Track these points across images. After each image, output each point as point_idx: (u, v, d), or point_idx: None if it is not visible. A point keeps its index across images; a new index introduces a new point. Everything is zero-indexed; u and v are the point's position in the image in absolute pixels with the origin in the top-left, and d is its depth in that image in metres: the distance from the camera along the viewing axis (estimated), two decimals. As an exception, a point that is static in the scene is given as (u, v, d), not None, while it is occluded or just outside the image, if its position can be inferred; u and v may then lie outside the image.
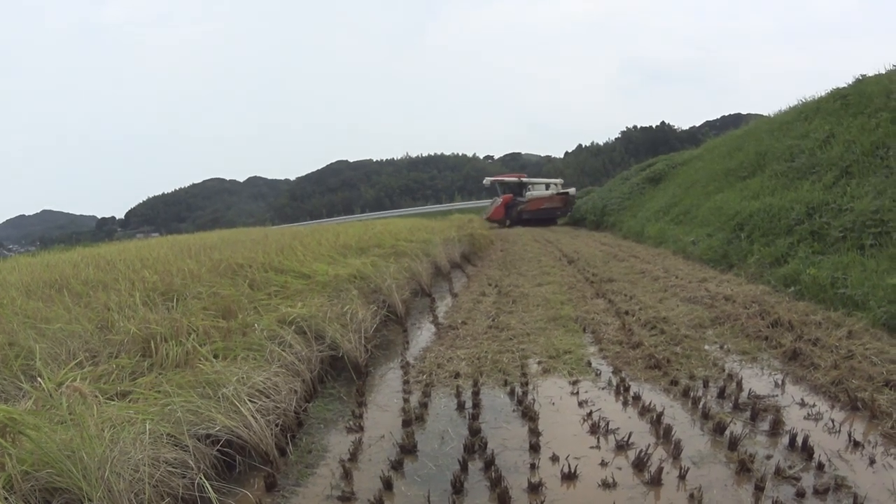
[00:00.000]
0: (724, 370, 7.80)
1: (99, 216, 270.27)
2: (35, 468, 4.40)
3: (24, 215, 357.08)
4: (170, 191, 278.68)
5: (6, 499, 4.08)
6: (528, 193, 57.19)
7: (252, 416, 5.87)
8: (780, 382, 7.29)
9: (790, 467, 5.18)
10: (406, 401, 7.68)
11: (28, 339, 7.81)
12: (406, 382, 8.45)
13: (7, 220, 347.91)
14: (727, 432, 5.86)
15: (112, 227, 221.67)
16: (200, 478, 4.95)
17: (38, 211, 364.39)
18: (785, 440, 5.70)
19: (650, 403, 6.80)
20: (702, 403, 6.65)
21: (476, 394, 7.65)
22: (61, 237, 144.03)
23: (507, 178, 63.96)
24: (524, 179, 62.08)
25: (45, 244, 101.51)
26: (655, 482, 5.11)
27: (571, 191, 58.45)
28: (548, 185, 60.44)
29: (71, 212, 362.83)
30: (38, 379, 5.75)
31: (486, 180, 65.25)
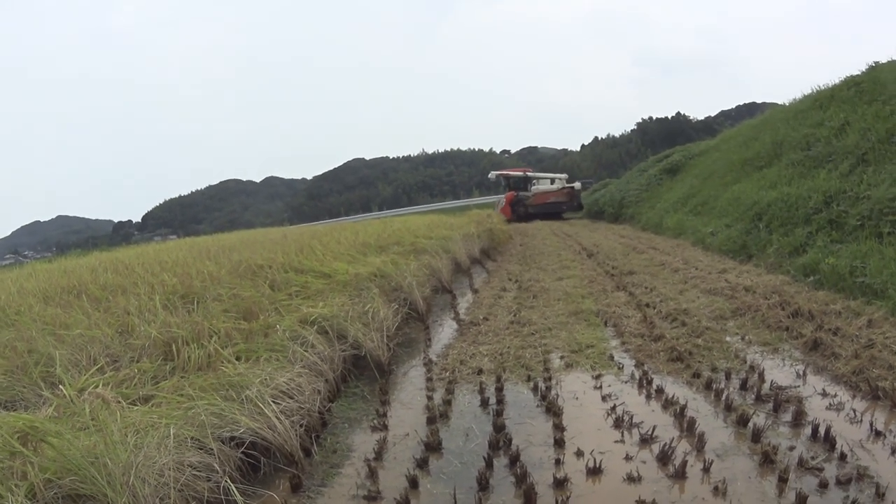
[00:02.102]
0: (745, 361, 7.77)
1: (115, 220, 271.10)
2: (58, 476, 4.40)
3: (39, 221, 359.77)
4: (186, 193, 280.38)
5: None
6: (533, 188, 56.92)
7: (276, 417, 5.88)
8: (801, 373, 7.26)
9: (813, 458, 5.16)
10: (430, 398, 7.68)
11: (47, 345, 7.83)
12: (429, 380, 8.45)
13: (22, 227, 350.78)
14: (750, 424, 5.84)
15: (129, 231, 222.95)
16: (226, 481, 4.96)
17: (54, 216, 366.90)
18: (807, 431, 5.68)
19: (673, 396, 6.79)
20: (724, 395, 6.61)
21: (499, 390, 7.62)
22: (77, 242, 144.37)
23: (512, 173, 63.30)
24: (529, 174, 61.71)
25: (61, 250, 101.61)
26: (680, 475, 5.11)
27: (577, 185, 58.37)
28: (553, 180, 60.20)
29: (87, 216, 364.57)
30: (60, 386, 5.77)
31: (492, 174, 65.60)
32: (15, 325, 9.41)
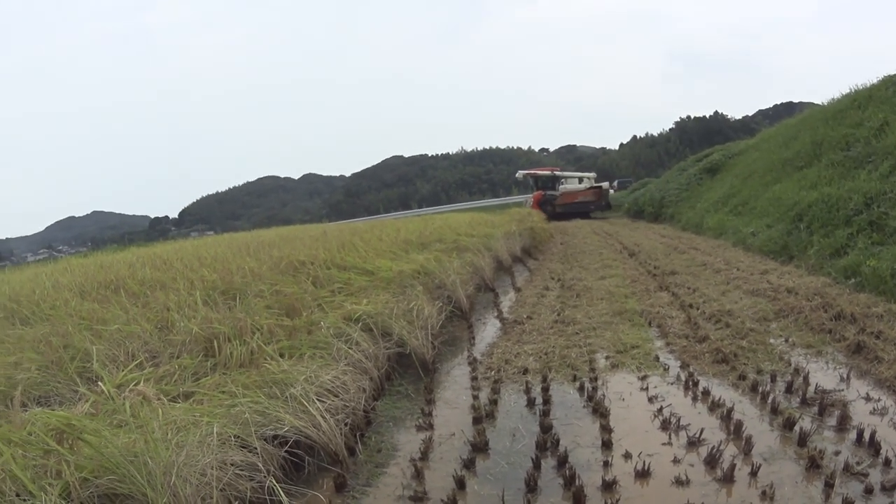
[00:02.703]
0: (790, 364, 7.70)
1: (151, 216, 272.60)
2: (95, 475, 4.35)
3: (73, 217, 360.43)
4: (224, 189, 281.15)
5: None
6: (561, 187, 56.67)
7: (321, 415, 5.84)
8: (845, 376, 7.18)
9: (858, 463, 5.10)
10: (475, 397, 7.65)
11: (84, 340, 7.83)
12: (474, 379, 8.43)
13: (56, 222, 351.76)
14: (796, 428, 5.79)
15: (165, 227, 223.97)
16: (271, 480, 4.92)
17: (89, 212, 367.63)
18: (852, 435, 5.61)
19: (720, 399, 6.74)
20: (770, 398, 6.56)
21: (545, 390, 7.59)
22: (113, 237, 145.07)
23: (539, 172, 63.06)
24: (557, 173, 61.34)
25: (96, 245, 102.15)
26: (728, 479, 5.06)
27: (605, 184, 58.50)
28: (581, 179, 60.23)
29: (122, 212, 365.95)
30: (99, 382, 5.72)
31: (519, 174, 65.18)
32: (50, 319, 9.47)
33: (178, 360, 7.31)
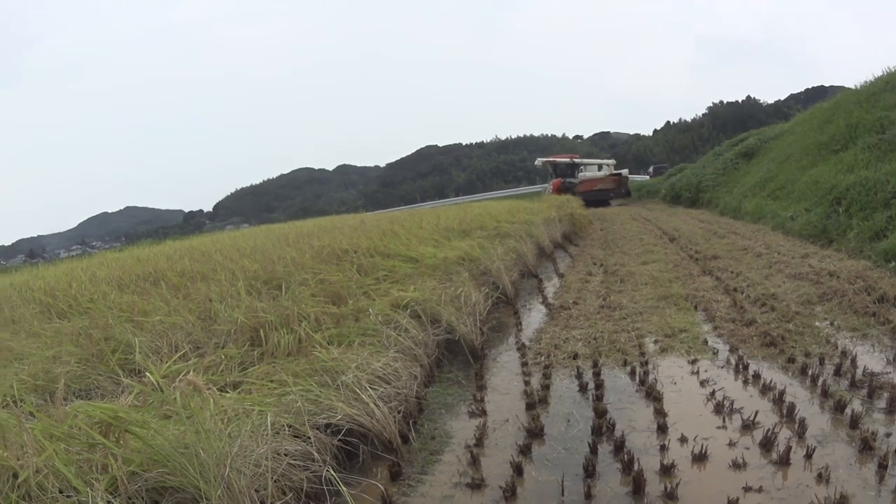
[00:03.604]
0: (837, 347, 7.60)
1: (185, 210, 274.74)
2: (143, 468, 4.30)
3: (106, 212, 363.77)
4: (258, 182, 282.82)
5: (109, 502, 3.96)
6: (580, 175, 57.36)
7: (374, 403, 5.81)
8: (891, 359, 7.07)
9: (909, 446, 5.06)
10: (527, 383, 7.61)
11: (125, 332, 7.88)
12: (524, 364, 8.39)
13: (89, 218, 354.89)
14: (847, 410, 5.74)
15: (200, 220, 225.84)
16: (328, 470, 4.89)
17: (122, 207, 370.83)
18: (902, 417, 5.58)
19: (770, 382, 6.65)
20: (820, 381, 6.51)
21: (597, 374, 7.60)
22: (147, 232, 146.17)
23: (559, 159, 63.50)
24: (576, 160, 61.89)
25: (130, 240, 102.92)
26: (784, 462, 5.01)
27: (624, 172, 59.18)
28: (600, 166, 60.74)
29: (156, 207, 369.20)
30: (146, 373, 5.63)
31: (538, 161, 66.00)
32: (88, 312, 9.51)
33: (224, 350, 7.34)
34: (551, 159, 64.26)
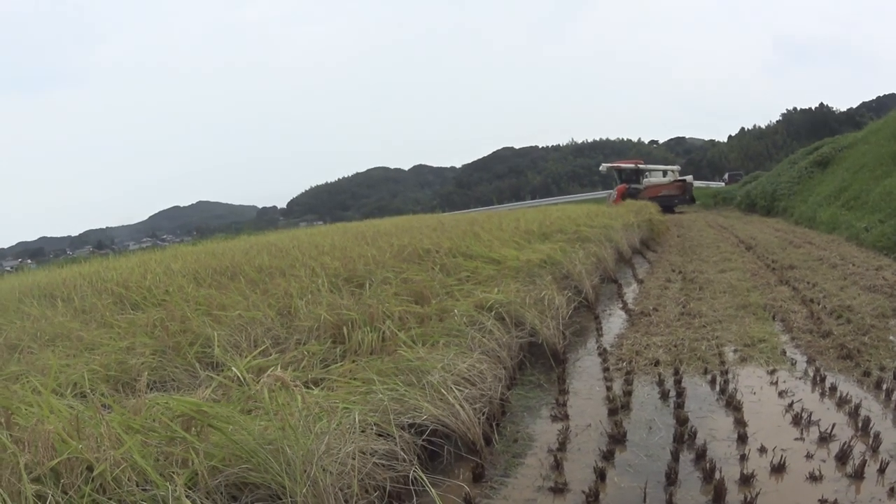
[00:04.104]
0: (911, 361, 7.54)
1: (259, 206, 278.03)
2: (224, 463, 4.29)
3: (178, 206, 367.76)
4: (333, 180, 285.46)
5: (187, 496, 3.90)
6: (645, 180, 57.50)
7: (459, 404, 5.79)
8: (963, 376, 7.02)
9: (982, 462, 4.99)
10: (609, 388, 7.70)
11: (203, 326, 7.95)
12: (606, 370, 8.47)
13: (160, 212, 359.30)
14: (920, 426, 5.69)
15: (274, 216, 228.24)
16: (414, 470, 4.85)
17: (194, 202, 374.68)
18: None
19: (846, 395, 6.71)
20: (894, 396, 6.55)
21: (678, 382, 7.60)
22: (219, 227, 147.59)
23: (623, 165, 63.19)
24: (641, 166, 61.89)
25: (201, 234, 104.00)
26: (859, 475, 5.05)
27: (689, 178, 59.03)
28: (665, 172, 61.09)
29: (229, 202, 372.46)
30: (231, 367, 5.67)
31: (603, 167, 66.02)
32: (163, 305, 9.59)
33: (305, 347, 7.40)
34: (616, 165, 64.32)
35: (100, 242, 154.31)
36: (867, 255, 15.96)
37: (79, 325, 9.11)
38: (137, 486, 4.01)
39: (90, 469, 4.03)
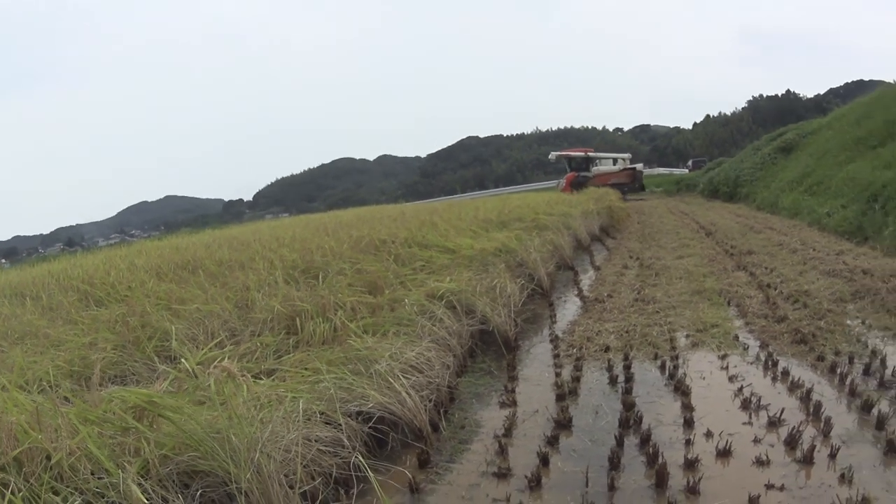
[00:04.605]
0: (867, 346, 7.63)
1: (225, 199, 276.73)
2: (175, 452, 4.38)
3: (146, 201, 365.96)
4: (298, 172, 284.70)
5: (140, 484, 4.02)
6: (594, 168, 57.82)
7: (406, 391, 5.89)
8: (923, 360, 7.04)
9: (937, 450, 5.00)
10: (558, 375, 7.77)
11: (162, 320, 8.00)
12: (556, 356, 8.54)
13: (128, 207, 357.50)
14: (874, 411, 5.74)
15: (240, 210, 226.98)
16: (357, 457, 4.94)
17: (161, 196, 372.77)
18: (931, 421, 5.52)
19: (798, 379, 6.76)
20: (848, 380, 6.53)
21: (627, 367, 7.72)
22: (186, 221, 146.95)
23: (573, 153, 63.28)
24: (591, 154, 62.05)
25: (169, 228, 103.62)
26: (808, 461, 5.07)
27: (639, 166, 60.26)
28: (615, 160, 61.56)
29: (196, 196, 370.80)
30: (183, 360, 5.73)
31: (552, 155, 66.13)
32: (125, 300, 9.62)
33: (260, 338, 7.48)
34: (566, 153, 64.40)
35: (70, 240, 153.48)
36: (829, 240, 16.02)
37: (46, 322, 9.09)
38: (92, 474, 4.11)
39: (49, 458, 4.12)
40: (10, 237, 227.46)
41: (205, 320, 8.13)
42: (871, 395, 6.06)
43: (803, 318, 9.00)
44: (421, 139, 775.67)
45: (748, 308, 9.98)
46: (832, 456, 5.08)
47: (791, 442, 5.35)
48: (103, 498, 3.98)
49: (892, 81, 29.51)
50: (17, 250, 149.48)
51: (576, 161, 59.87)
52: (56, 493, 3.97)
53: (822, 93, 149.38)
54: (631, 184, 55.16)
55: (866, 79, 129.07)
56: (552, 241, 15.70)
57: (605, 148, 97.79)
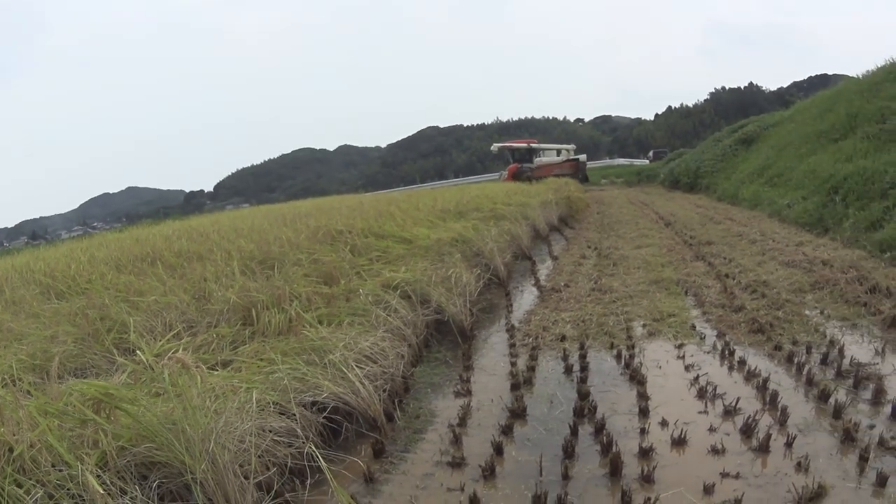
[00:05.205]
0: (825, 336, 7.67)
1: (187, 190, 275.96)
2: (132, 443, 4.41)
3: (108, 193, 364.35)
4: (259, 162, 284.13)
5: (99, 476, 4.03)
6: (537, 160, 57.66)
7: (360, 381, 5.93)
8: (880, 350, 7.10)
9: (893, 438, 5.06)
10: (513, 364, 7.75)
11: (121, 312, 7.98)
12: (512, 346, 8.55)
13: (91, 199, 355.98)
14: (831, 400, 5.79)
15: (201, 200, 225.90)
16: (310, 446, 4.94)
17: (124, 188, 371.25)
18: (887, 410, 5.58)
19: (755, 368, 6.78)
20: (806, 370, 6.57)
21: (583, 357, 7.72)
22: (148, 212, 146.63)
23: (516, 144, 63.21)
24: (534, 145, 61.78)
25: (131, 220, 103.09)
26: (763, 449, 5.09)
27: (582, 157, 60.27)
28: (559, 151, 61.36)
29: (158, 187, 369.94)
30: (137, 352, 5.70)
31: (494, 147, 65.13)
32: (86, 293, 9.60)
33: (216, 329, 7.47)
34: (508, 145, 64.20)
35: (34, 233, 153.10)
36: (789, 231, 16.10)
37: (9, 316, 9.04)
38: (53, 466, 4.12)
39: (11, 451, 4.13)
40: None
41: (163, 312, 8.12)
42: (829, 385, 6.09)
43: (761, 308, 9.05)
44: (381, 129, 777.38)
45: (706, 298, 10.02)
46: (788, 444, 5.10)
47: (747, 431, 5.36)
48: (64, 489, 3.98)
49: (855, 76, 29.63)
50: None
51: (519, 152, 59.76)
52: (19, 486, 3.97)
53: (785, 86, 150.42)
54: (574, 174, 54.47)
55: (830, 73, 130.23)
56: (510, 231, 15.81)
57: (565, 139, 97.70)
